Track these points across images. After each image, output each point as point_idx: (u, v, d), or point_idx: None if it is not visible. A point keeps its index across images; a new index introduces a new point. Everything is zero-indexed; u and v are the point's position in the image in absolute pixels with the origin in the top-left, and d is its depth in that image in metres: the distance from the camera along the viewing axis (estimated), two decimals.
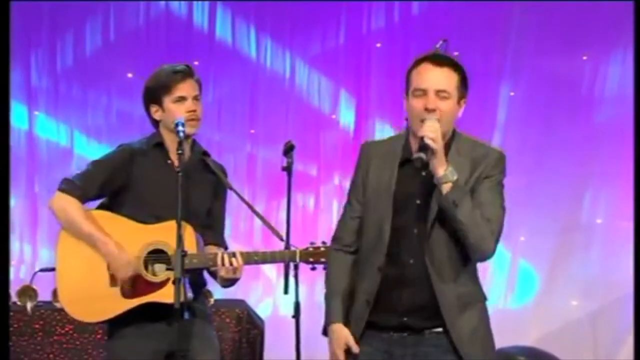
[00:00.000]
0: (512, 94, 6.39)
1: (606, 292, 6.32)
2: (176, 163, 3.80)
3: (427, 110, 3.55)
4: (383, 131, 6.37)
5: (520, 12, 6.24)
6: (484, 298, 3.70)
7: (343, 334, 3.60)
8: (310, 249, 3.87)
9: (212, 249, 3.88)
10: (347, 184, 6.29)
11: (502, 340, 5.97)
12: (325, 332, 3.69)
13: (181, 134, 3.75)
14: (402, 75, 6.33)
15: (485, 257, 3.62)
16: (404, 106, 3.65)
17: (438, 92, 3.57)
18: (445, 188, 3.48)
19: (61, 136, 6.21)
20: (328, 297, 3.67)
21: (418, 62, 3.64)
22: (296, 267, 4.54)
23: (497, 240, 3.57)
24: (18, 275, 5.97)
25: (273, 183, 5.66)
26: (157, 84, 3.85)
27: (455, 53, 5.77)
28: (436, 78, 3.60)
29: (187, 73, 3.87)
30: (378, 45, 6.37)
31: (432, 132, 3.47)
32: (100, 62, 6.20)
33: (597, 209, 6.39)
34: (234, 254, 3.78)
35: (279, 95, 6.36)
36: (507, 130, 6.33)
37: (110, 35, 6.23)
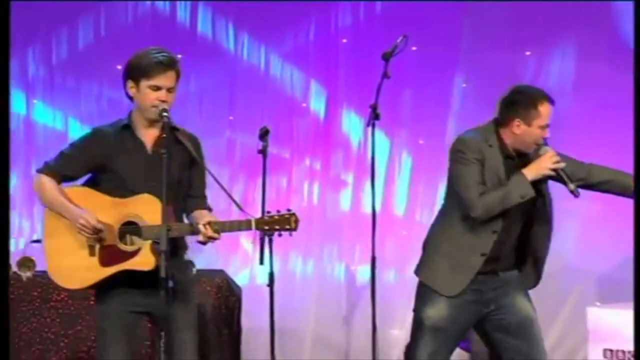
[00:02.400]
0: (464, 85, 6.36)
1: (546, 263, 6.28)
2: (146, 142, 3.79)
3: (543, 139, 4.08)
4: (350, 118, 6.35)
5: (472, 12, 6.21)
6: None
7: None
8: (266, 218, 3.77)
9: (199, 213, 3.81)
10: (317, 166, 6.31)
11: None
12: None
13: (165, 118, 3.70)
14: (366, 67, 6.35)
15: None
16: (516, 128, 4.03)
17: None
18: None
19: (57, 122, 6.20)
20: (496, 196, 4.02)
21: (545, 99, 4.07)
22: (270, 240, 4.47)
23: None
24: (18, 247, 5.93)
25: (250, 165, 5.61)
26: (139, 66, 3.76)
27: (413, 48, 5.76)
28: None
29: (169, 65, 3.78)
30: (344, 41, 6.33)
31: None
32: (92, 55, 6.19)
33: None
34: (209, 222, 3.71)
35: (255, 86, 6.32)
36: (460, 116, 6.29)
37: (101, 31, 6.20)
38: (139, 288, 3.74)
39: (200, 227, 3.68)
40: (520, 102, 4.05)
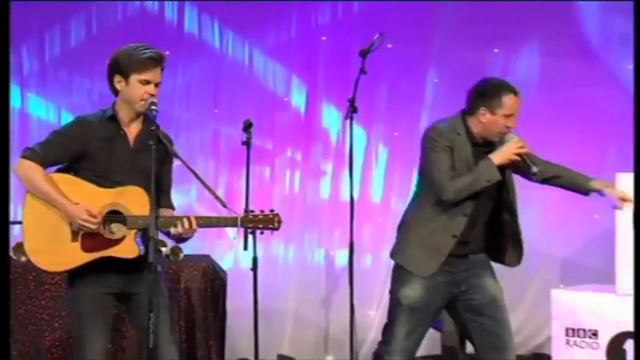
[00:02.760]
0: (436, 80, 6.41)
1: None
2: (129, 134, 3.79)
3: (510, 128, 4.15)
4: (329, 111, 6.37)
5: (443, 12, 6.25)
6: None
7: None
8: (250, 216, 3.81)
9: (164, 211, 3.82)
10: (298, 157, 6.35)
11: None
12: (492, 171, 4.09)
13: (154, 112, 3.69)
14: (344, 63, 6.36)
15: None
16: (482, 117, 4.11)
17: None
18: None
19: (50, 114, 6.18)
20: (466, 180, 4.08)
21: (509, 90, 4.15)
22: (261, 232, 4.52)
23: None
24: (13, 233, 5.85)
25: (234, 156, 5.65)
26: (130, 61, 3.74)
27: (389, 45, 5.81)
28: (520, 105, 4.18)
29: (159, 61, 3.80)
30: (324, 38, 6.35)
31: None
32: (84, 52, 6.18)
33: None
34: (189, 218, 3.71)
35: (239, 81, 6.32)
36: (433, 109, 6.34)
37: (92, 29, 6.18)
38: (113, 271, 3.74)
39: (184, 220, 3.69)
40: (486, 92, 4.13)
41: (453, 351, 5.81)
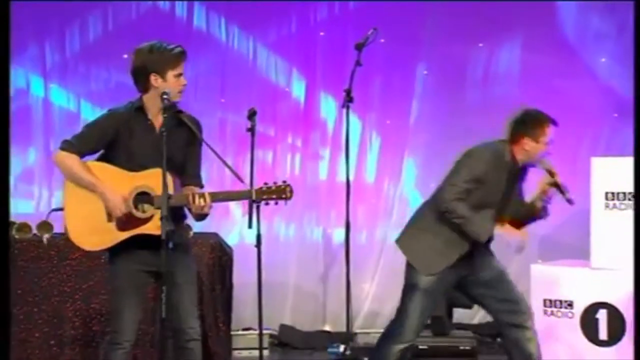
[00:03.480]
0: (425, 72, 6.40)
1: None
2: (155, 123, 3.81)
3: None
4: (327, 101, 6.36)
5: (432, 9, 6.23)
6: None
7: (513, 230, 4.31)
8: (264, 188, 3.82)
9: (190, 189, 3.83)
10: (298, 143, 6.34)
11: None
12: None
13: (166, 101, 3.72)
14: (341, 57, 6.34)
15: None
16: (525, 144, 4.26)
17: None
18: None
19: (70, 103, 6.15)
20: (473, 220, 4.16)
21: (549, 121, 4.31)
22: (258, 207, 4.51)
23: None
24: (38, 212, 5.90)
25: (239, 141, 5.64)
26: (164, 59, 3.79)
27: (382, 40, 5.80)
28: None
29: (186, 54, 3.87)
30: (322, 34, 6.32)
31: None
32: (101, 46, 6.16)
33: None
34: (202, 195, 3.74)
35: (243, 73, 6.30)
36: (422, 100, 6.36)
37: (108, 26, 6.14)
38: (146, 249, 3.75)
39: (196, 196, 3.70)
40: (528, 122, 4.30)
41: (441, 320, 5.83)
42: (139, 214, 3.73)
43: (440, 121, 6.35)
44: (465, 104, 6.39)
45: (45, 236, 5.30)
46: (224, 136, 6.19)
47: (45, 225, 5.36)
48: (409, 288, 4.23)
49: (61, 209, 3.90)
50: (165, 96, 3.72)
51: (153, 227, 3.69)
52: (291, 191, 3.82)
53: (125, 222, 3.74)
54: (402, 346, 4.22)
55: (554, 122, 4.30)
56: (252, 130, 4.71)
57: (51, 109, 6.11)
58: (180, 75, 3.81)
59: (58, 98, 6.13)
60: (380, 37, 5.43)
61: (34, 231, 5.35)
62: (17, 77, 6.04)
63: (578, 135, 6.33)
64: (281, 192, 3.80)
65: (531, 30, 6.30)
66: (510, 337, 4.33)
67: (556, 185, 4.27)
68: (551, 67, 6.27)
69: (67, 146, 3.79)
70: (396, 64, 6.30)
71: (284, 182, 3.83)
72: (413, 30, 6.22)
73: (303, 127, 6.37)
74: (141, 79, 3.81)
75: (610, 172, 5.23)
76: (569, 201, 4.28)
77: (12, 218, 5.56)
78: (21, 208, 5.93)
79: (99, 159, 3.86)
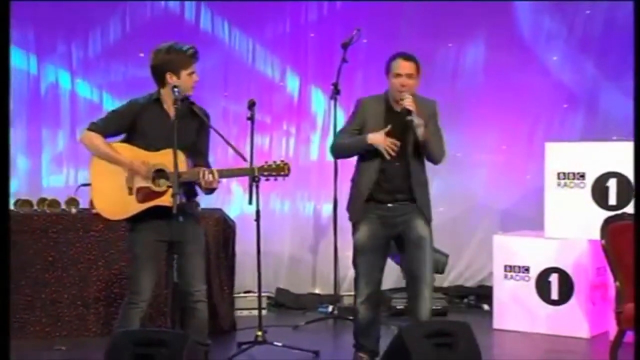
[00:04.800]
0: None
1: (461, 202, 6.36)
2: (170, 112, 3.80)
3: (402, 85, 4.01)
4: (317, 93, 6.33)
5: (409, 11, 6.16)
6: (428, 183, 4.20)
7: (376, 133, 3.98)
8: (265, 166, 3.82)
9: (199, 168, 3.82)
10: (292, 130, 6.28)
11: None
12: (354, 151, 4.08)
13: (176, 94, 3.74)
14: (329, 54, 6.27)
15: (440, 161, 4.14)
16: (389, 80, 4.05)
17: (408, 75, 4.03)
18: (420, 131, 3.96)
19: (94, 95, 6.07)
20: (348, 142, 4.08)
21: (394, 57, 4.08)
22: (257, 186, 4.46)
23: (444, 154, 4.15)
24: (66, 187, 5.84)
25: (240, 128, 5.59)
26: (178, 60, 3.80)
27: (364, 41, 5.72)
28: (407, 67, 4.05)
29: (198, 55, 3.87)
30: (312, 35, 6.24)
31: (411, 103, 3.94)
32: (120, 45, 6.08)
33: (457, 145, 6.34)
34: (211, 171, 3.76)
35: (244, 69, 6.22)
36: None
37: (126, 27, 6.05)
38: (163, 221, 3.74)
39: (206, 172, 3.71)
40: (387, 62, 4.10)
41: None
42: (155, 188, 3.74)
43: None
44: (435, 96, 6.26)
45: (72, 210, 5.25)
46: (227, 124, 6.14)
47: (72, 201, 5.31)
48: (353, 250, 4.20)
49: (88, 184, 3.92)
50: (175, 89, 3.74)
51: (167, 199, 3.70)
52: (289, 168, 3.82)
53: (144, 195, 3.75)
54: None
55: (403, 57, 4.08)
56: (251, 118, 4.71)
57: (77, 100, 6.04)
58: (192, 73, 3.82)
59: (83, 90, 6.05)
60: (363, 37, 5.37)
61: (63, 206, 5.28)
62: (48, 72, 5.97)
63: (533, 123, 6.33)
64: (280, 170, 3.81)
65: (492, 30, 6.26)
66: None
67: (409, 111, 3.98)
68: (510, 63, 6.24)
69: (93, 127, 3.82)
70: (376, 60, 6.17)
71: (282, 160, 3.81)
72: (392, 30, 6.14)
73: (296, 116, 6.32)
74: (158, 76, 3.82)
75: (561, 155, 5.25)
76: (410, 119, 3.95)
77: (44, 194, 5.51)
78: (52, 183, 5.91)
79: (122, 142, 3.86)
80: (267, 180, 4.01)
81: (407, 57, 4.06)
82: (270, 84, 6.25)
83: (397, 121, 4.00)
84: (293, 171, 6.16)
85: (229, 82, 6.17)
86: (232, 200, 6.13)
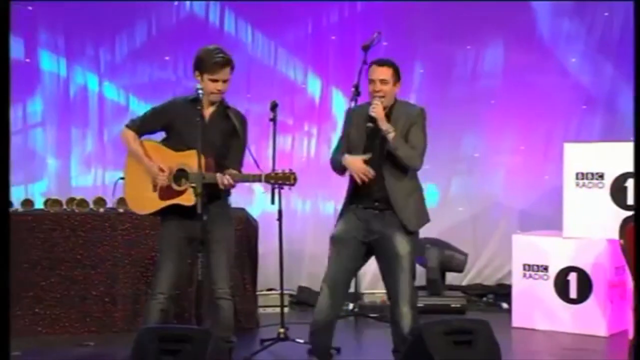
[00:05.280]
0: (421, 71, 6.32)
1: (480, 202, 6.33)
2: (205, 113, 3.85)
3: (375, 91, 3.85)
4: (338, 96, 6.32)
5: (428, 13, 6.13)
6: (420, 188, 3.97)
7: (353, 156, 3.85)
8: (272, 174, 3.79)
9: (229, 171, 3.81)
10: (313, 131, 6.29)
11: None
12: (341, 169, 3.92)
13: (200, 95, 3.77)
14: (350, 58, 6.28)
15: (415, 168, 3.91)
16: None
17: (382, 80, 3.87)
18: (389, 137, 3.80)
19: (120, 97, 6.10)
20: (334, 161, 3.95)
21: (370, 63, 3.93)
22: (281, 188, 4.46)
23: (422, 157, 3.90)
24: (94, 186, 5.93)
25: (263, 129, 5.57)
26: (203, 63, 3.82)
27: (384, 43, 5.72)
28: (379, 72, 3.88)
29: (224, 64, 3.83)
30: (333, 37, 6.23)
31: (376, 109, 3.80)
32: (146, 48, 6.11)
33: (476, 146, 6.34)
34: (227, 175, 3.75)
35: (267, 71, 6.22)
36: (419, 93, 6.24)
37: (152, 30, 6.07)
38: (188, 219, 3.77)
39: (219, 175, 3.72)
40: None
41: (435, 283, 5.80)
42: (176, 187, 3.79)
43: (433, 111, 6.15)
44: (454, 97, 6.33)
45: (100, 210, 5.29)
46: (250, 125, 6.08)
47: (99, 201, 5.35)
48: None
49: (123, 178, 4.01)
50: (199, 90, 3.76)
51: (185, 199, 3.77)
52: (295, 178, 3.77)
53: (166, 193, 3.80)
54: None
55: (378, 63, 3.90)
56: (273, 120, 4.72)
57: (104, 102, 6.08)
58: (215, 81, 3.80)
59: (110, 93, 6.09)
60: (383, 39, 5.36)
61: (91, 206, 5.33)
62: (77, 75, 6.01)
63: (551, 124, 6.30)
64: (286, 179, 3.77)
65: (511, 32, 6.23)
66: None
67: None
68: (529, 65, 6.21)
69: (130, 124, 3.92)
70: (397, 62, 6.21)
71: (290, 170, 3.78)
72: (411, 33, 6.14)
73: (317, 117, 6.32)
74: (193, 72, 3.88)
75: (580, 155, 5.21)
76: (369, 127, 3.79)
77: (73, 193, 5.56)
78: (81, 183, 5.96)
79: (162, 140, 3.93)
80: (273, 188, 4.02)
81: (381, 63, 3.91)
82: (292, 85, 6.26)
83: (377, 130, 3.85)
84: (314, 171, 6.27)
85: (251, 84, 6.18)
86: (255, 200, 6.14)
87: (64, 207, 5.34)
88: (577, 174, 5.19)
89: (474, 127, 6.36)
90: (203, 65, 3.80)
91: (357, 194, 3.91)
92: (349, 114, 4.03)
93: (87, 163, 6.07)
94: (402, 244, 3.82)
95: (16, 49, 5.90)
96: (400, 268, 3.80)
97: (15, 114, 5.95)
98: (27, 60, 5.94)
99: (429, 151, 6.33)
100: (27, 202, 5.44)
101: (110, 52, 6.06)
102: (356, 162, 3.82)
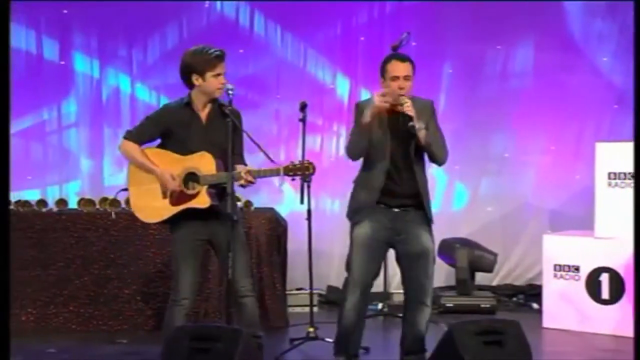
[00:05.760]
0: (450, 71, 6.26)
1: (510, 202, 6.26)
2: (201, 115, 3.81)
3: (400, 89, 3.73)
4: (366, 96, 6.25)
5: (457, 13, 6.07)
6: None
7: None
8: (290, 165, 3.72)
9: (237, 167, 3.79)
10: (342, 131, 6.27)
11: (445, 233, 6.01)
12: (365, 129, 3.80)
13: (231, 94, 3.75)
14: (378, 57, 6.23)
15: (444, 162, 3.89)
16: (383, 86, 3.78)
17: (405, 77, 3.78)
18: (422, 134, 3.72)
19: (151, 98, 6.13)
20: (351, 138, 3.90)
21: (389, 59, 3.81)
22: (308, 186, 4.43)
23: (447, 153, 3.89)
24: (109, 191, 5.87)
25: (292, 129, 5.59)
26: (202, 61, 3.74)
27: (413, 43, 5.67)
28: (403, 68, 3.78)
29: (223, 56, 3.79)
30: (362, 38, 6.19)
31: (411, 107, 3.69)
32: (177, 50, 6.00)
33: (506, 146, 6.28)
34: (248, 171, 3.70)
35: (296, 72, 6.20)
36: (449, 93, 6.20)
37: (183, 33, 6.10)
38: (200, 220, 3.77)
39: (242, 174, 3.68)
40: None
41: (465, 283, 5.74)
42: (187, 191, 3.75)
43: (463, 112, 6.25)
44: (484, 97, 6.26)
45: (113, 211, 5.26)
46: (280, 125, 6.17)
47: (113, 202, 5.32)
48: (351, 243, 3.96)
49: (126, 189, 3.95)
50: (230, 91, 3.74)
51: (199, 202, 3.72)
52: (314, 168, 3.72)
53: (177, 198, 3.75)
54: None
55: (399, 58, 3.80)
56: (303, 120, 4.71)
57: (136, 102, 6.11)
58: (218, 75, 3.75)
59: (141, 94, 6.13)
60: (411, 39, 5.32)
61: (123, 205, 5.34)
62: (109, 76, 6.05)
63: (581, 124, 6.22)
64: (305, 169, 3.72)
65: (542, 31, 6.15)
66: None
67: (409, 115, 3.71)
68: (560, 64, 6.13)
69: (128, 136, 3.84)
70: (425, 63, 6.14)
71: (308, 160, 3.74)
72: (439, 33, 6.08)
73: (346, 118, 6.29)
74: (185, 78, 3.80)
75: (612, 155, 5.14)
76: (413, 127, 3.68)
77: (106, 193, 5.59)
78: (113, 183, 5.93)
79: (159, 146, 3.87)
80: (292, 179, 3.95)
81: (403, 58, 3.81)
82: (321, 86, 6.24)
83: (397, 125, 3.77)
84: (342, 171, 6.23)
85: (281, 85, 6.18)
86: (284, 199, 6.14)
87: (97, 206, 5.38)
88: (609, 174, 5.12)
89: (503, 127, 6.28)
90: (200, 65, 3.71)
91: (388, 192, 3.83)
92: (361, 109, 3.85)
93: (119, 163, 6.10)
94: (428, 241, 3.84)
95: (51, 51, 5.98)
96: (427, 263, 3.81)
97: (50, 115, 6.03)
98: (62, 62, 6.00)
99: (458, 151, 6.33)
100: (61, 202, 5.49)
101: (142, 54, 6.10)
102: (374, 100, 3.72)
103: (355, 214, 3.94)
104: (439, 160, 3.85)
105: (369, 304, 4.04)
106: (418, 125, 3.69)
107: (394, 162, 3.82)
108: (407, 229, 3.83)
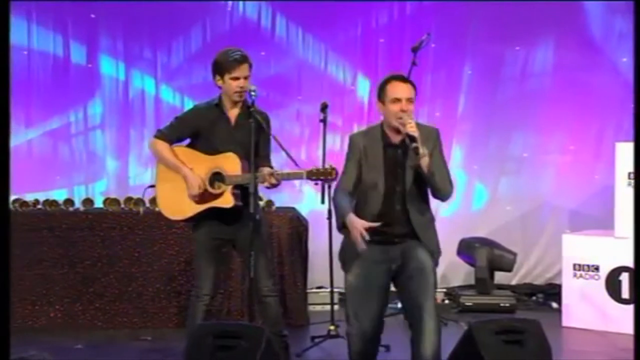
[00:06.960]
0: (469, 72, 6.20)
1: (529, 201, 6.20)
2: (230, 116, 3.83)
3: (402, 111, 3.38)
4: None
5: (477, 14, 6.02)
6: (434, 219, 3.57)
7: (358, 219, 3.32)
8: (314, 170, 3.72)
9: (263, 169, 3.79)
10: None
11: (464, 232, 5.95)
12: (342, 226, 3.42)
13: (254, 95, 3.74)
14: (398, 59, 6.19)
15: (449, 196, 3.51)
16: (379, 109, 3.47)
17: (408, 99, 3.42)
18: (424, 162, 3.35)
19: (175, 99, 6.16)
20: (338, 206, 3.46)
21: (388, 80, 3.44)
22: (329, 186, 4.41)
23: (452, 184, 3.49)
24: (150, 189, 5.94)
25: (313, 130, 5.59)
26: (221, 64, 3.79)
27: (433, 45, 5.63)
28: (406, 90, 3.42)
29: (242, 60, 3.79)
30: (381, 40, 6.16)
31: (414, 128, 3.34)
32: (201, 53, 6.10)
33: (525, 145, 6.21)
34: (273, 174, 3.71)
35: (317, 74, 6.19)
36: (468, 93, 6.17)
37: (207, 36, 6.10)
38: (220, 221, 3.80)
39: (266, 176, 3.69)
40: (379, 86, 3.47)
41: (484, 282, 5.70)
42: (212, 190, 3.77)
43: (482, 113, 6.21)
44: (503, 97, 6.22)
45: (157, 208, 5.29)
46: (301, 125, 6.16)
47: (139, 202, 5.34)
48: (345, 290, 3.56)
49: (153, 186, 3.99)
50: (253, 93, 3.73)
51: (223, 201, 3.75)
52: (337, 172, 3.71)
53: (202, 197, 3.78)
54: None
55: (399, 79, 3.42)
56: (324, 120, 4.70)
57: (161, 104, 6.14)
58: (236, 78, 3.76)
59: (166, 95, 6.15)
60: (431, 41, 5.29)
61: (147, 204, 5.36)
62: (135, 78, 6.09)
63: (601, 124, 6.15)
64: (327, 174, 3.72)
65: (561, 31, 6.08)
66: None
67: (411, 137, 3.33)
68: (580, 64, 6.06)
69: (159, 135, 3.88)
70: (445, 64, 6.16)
71: (331, 165, 3.72)
72: (459, 34, 6.04)
73: (366, 119, 6.27)
74: (213, 78, 3.86)
75: (632, 155, 5.02)
76: (416, 149, 3.30)
77: (131, 193, 5.62)
78: (139, 182, 5.96)
79: (189, 145, 3.91)
80: (315, 184, 3.98)
81: (405, 79, 3.43)
82: (342, 87, 6.22)
83: (397, 157, 3.42)
84: None
85: (302, 86, 6.17)
86: (304, 199, 6.12)
87: (122, 206, 5.41)
88: (629, 174, 5.05)
89: (523, 127, 6.23)
90: (222, 66, 3.77)
91: (375, 234, 3.35)
92: (356, 143, 3.49)
93: (144, 163, 6.14)
94: (426, 260, 3.40)
95: (79, 54, 6.03)
96: (425, 278, 3.36)
97: (76, 117, 6.07)
98: (89, 65, 6.04)
99: (478, 151, 6.28)
100: (88, 202, 5.52)
101: (166, 56, 6.12)
102: (358, 226, 3.27)
103: (343, 255, 3.57)
104: (442, 193, 3.42)
105: (378, 344, 3.56)
106: (422, 150, 3.30)
107: (388, 202, 3.43)
108: (402, 253, 3.45)
